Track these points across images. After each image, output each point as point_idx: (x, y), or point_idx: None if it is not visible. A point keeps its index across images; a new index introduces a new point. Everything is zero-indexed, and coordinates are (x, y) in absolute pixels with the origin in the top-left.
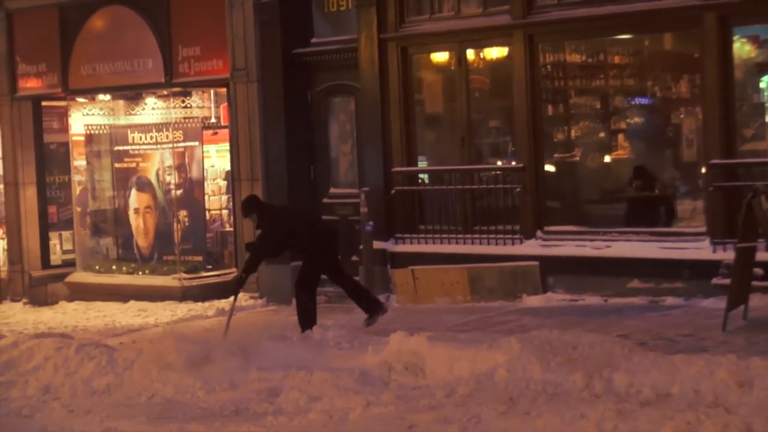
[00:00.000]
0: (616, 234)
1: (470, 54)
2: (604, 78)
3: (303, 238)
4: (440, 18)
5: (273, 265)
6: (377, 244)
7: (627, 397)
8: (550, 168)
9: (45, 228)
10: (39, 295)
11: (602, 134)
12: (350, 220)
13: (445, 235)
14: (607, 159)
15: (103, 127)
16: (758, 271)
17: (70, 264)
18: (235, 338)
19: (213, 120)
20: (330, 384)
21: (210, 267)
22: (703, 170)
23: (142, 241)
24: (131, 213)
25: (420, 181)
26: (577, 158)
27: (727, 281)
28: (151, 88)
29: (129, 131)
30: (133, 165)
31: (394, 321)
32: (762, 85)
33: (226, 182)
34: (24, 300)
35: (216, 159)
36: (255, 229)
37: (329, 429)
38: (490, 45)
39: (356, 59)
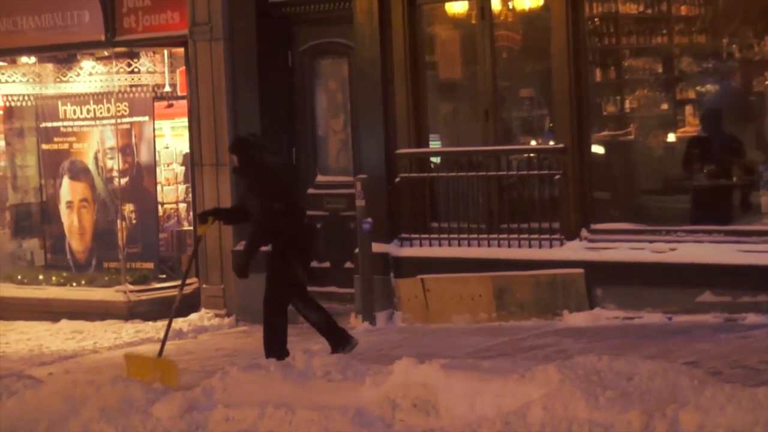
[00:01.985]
0: (682, 233)
1: (496, 3)
2: (667, 34)
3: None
4: None
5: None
6: (377, 247)
7: None
8: (598, 149)
9: None
10: None
11: (665, 106)
12: (343, 216)
13: (464, 236)
14: (672, 138)
15: (26, 97)
16: None
17: None
18: (196, 367)
19: (167, 89)
20: (317, 426)
21: (163, 276)
22: None
23: (76, 243)
24: (63, 208)
25: (432, 166)
26: (633, 137)
27: None
28: (88, 47)
29: (60, 103)
30: (66, 146)
31: (399, 345)
32: None
33: (183, 168)
34: None
35: (171, 138)
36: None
37: None
38: None
39: (350, 11)
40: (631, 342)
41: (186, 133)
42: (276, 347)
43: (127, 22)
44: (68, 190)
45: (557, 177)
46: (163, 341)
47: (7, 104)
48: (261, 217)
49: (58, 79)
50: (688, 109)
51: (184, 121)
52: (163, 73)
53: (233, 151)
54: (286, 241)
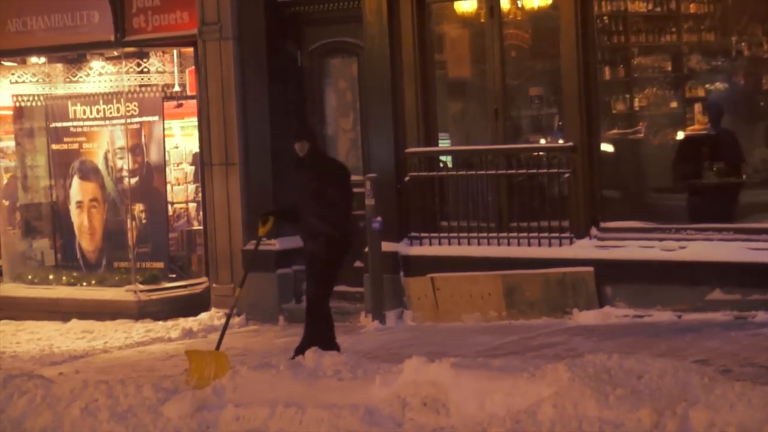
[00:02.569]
0: (692, 231)
1: (505, 2)
2: (676, 32)
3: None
4: None
5: (253, 274)
6: (387, 246)
7: None
8: (607, 147)
9: None
10: None
11: (674, 104)
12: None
13: (474, 234)
14: (681, 136)
15: (36, 98)
16: None
17: None
18: None
19: (177, 88)
20: (328, 425)
21: (173, 276)
22: None
23: (86, 243)
24: (73, 208)
25: (441, 165)
26: (642, 135)
27: None
28: (98, 47)
29: (70, 103)
30: (75, 146)
31: (409, 344)
32: None
33: (193, 168)
34: None
35: (181, 138)
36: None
37: None
38: None
39: (359, 10)
40: (641, 340)
41: (195, 133)
42: (323, 343)
43: (137, 22)
44: (78, 190)
45: (567, 175)
46: (221, 334)
47: (17, 104)
48: (337, 209)
49: (67, 79)
50: (697, 107)
51: (193, 121)
52: (173, 72)
53: (306, 137)
54: (342, 240)
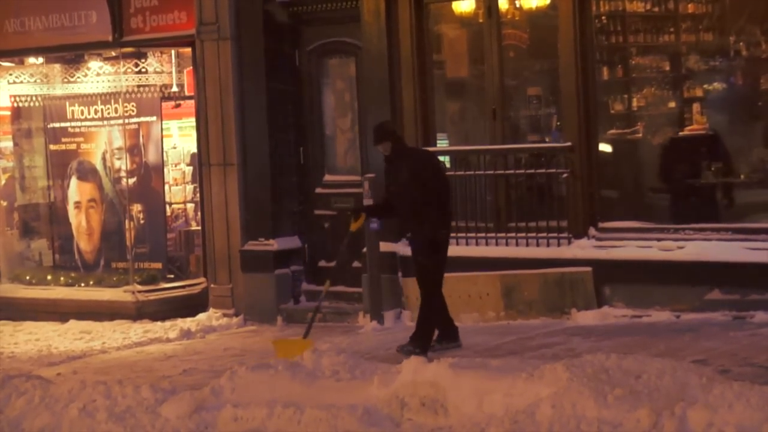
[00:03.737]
0: (690, 231)
1: (503, 2)
2: (674, 32)
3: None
4: None
5: (251, 274)
6: (385, 246)
7: None
8: (605, 147)
9: None
10: None
11: (672, 104)
12: (350, 215)
13: (472, 234)
14: (679, 136)
15: (34, 98)
16: None
17: None
18: (204, 367)
19: (174, 89)
20: (326, 425)
21: (172, 276)
22: None
23: (84, 243)
24: (71, 208)
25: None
26: (640, 135)
27: None
28: (96, 48)
29: (68, 103)
30: (73, 147)
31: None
32: None
33: (191, 168)
34: None
35: (179, 138)
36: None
37: None
38: None
39: (357, 10)
40: (639, 340)
41: (193, 133)
42: (434, 325)
43: (135, 22)
44: (76, 190)
45: (565, 175)
46: (310, 324)
47: (15, 105)
48: (436, 204)
49: (65, 80)
50: (695, 107)
51: (191, 121)
52: (171, 73)
53: (385, 138)
54: (443, 232)
